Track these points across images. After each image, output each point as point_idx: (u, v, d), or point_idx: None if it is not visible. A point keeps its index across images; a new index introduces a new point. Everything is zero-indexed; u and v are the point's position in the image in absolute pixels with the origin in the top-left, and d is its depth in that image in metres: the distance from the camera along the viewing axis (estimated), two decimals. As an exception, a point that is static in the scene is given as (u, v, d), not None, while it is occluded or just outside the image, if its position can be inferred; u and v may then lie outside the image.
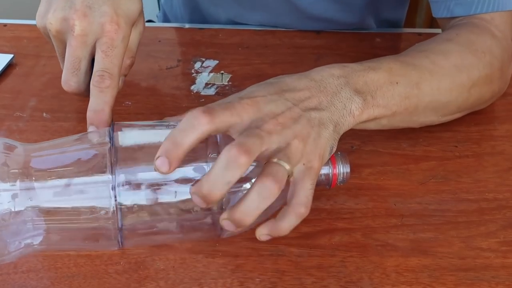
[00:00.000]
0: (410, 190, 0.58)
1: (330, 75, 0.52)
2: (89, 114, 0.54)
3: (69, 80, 0.57)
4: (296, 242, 0.52)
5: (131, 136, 0.48)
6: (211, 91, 0.72)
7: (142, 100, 0.70)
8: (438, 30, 0.73)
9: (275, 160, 0.45)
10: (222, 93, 0.72)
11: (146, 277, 0.50)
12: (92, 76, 0.55)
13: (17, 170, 0.45)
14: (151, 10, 1.12)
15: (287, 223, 0.45)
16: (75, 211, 0.45)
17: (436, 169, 0.61)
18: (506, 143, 0.64)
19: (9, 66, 0.76)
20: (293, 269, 0.51)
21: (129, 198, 0.45)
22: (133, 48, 0.62)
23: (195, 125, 0.43)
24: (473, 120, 0.66)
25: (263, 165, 0.45)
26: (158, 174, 0.44)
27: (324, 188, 0.51)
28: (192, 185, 0.44)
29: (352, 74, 0.53)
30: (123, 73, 0.62)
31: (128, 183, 0.45)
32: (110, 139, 0.47)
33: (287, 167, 0.45)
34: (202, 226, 0.48)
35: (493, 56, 0.62)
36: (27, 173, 0.45)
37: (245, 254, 0.51)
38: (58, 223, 0.45)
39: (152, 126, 0.49)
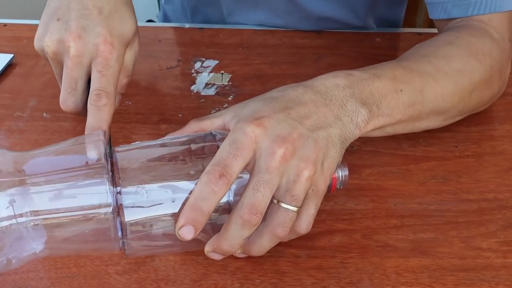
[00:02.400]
0: (410, 190, 0.58)
1: (335, 86, 0.51)
2: (87, 132, 0.55)
3: (67, 100, 0.58)
4: (296, 243, 0.52)
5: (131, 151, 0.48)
6: (211, 91, 0.72)
7: (142, 100, 0.70)
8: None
9: (284, 205, 0.47)
10: (222, 93, 0.72)
11: (147, 278, 0.50)
12: (89, 96, 0.56)
13: (12, 179, 0.44)
14: (151, 10, 1.12)
15: (285, 238, 0.50)
16: (75, 217, 0.44)
17: (436, 169, 0.61)
18: (506, 143, 0.64)
19: (9, 66, 0.76)
20: (293, 270, 0.51)
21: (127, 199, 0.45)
22: (129, 67, 0.63)
23: (216, 191, 0.45)
24: (473, 120, 0.66)
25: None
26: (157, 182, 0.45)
27: (328, 192, 0.51)
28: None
29: (358, 83, 0.52)
30: (119, 92, 0.62)
31: (128, 184, 0.45)
32: (106, 150, 0.47)
33: (295, 209, 0.47)
34: (201, 238, 0.48)
35: (493, 58, 0.62)
36: (22, 181, 0.44)
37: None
38: (58, 230, 0.45)
39: (153, 146, 0.49)
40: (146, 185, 0.45)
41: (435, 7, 0.68)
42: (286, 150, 0.46)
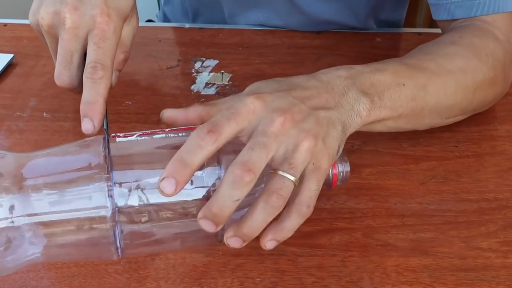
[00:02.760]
0: (411, 190, 0.58)
1: (336, 77, 0.52)
2: (82, 106, 0.53)
3: (62, 75, 0.57)
4: (297, 241, 0.52)
5: (126, 144, 0.47)
6: (211, 91, 0.72)
7: (142, 100, 0.70)
8: (438, 30, 0.73)
9: (280, 172, 0.44)
10: (222, 92, 0.72)
11: (147, 276, 0.50)
12: (85, 68, 0.55)
13: (10, 182, 0.44)
14: (151, 10, 1.12)
15: (290, 223, 0.45)
16: (73, 221, 0.44)
17: (436, 169, 0.61)
18: (507, 143, 0.64)
19: (9, 66, 0.76)
20: (293, 268, 0.51)
21: (125, 202, 0.45)
22: (126, 43, 0.62)
23: (202, 146, 0.43)
24: (473, 120, 0.66)
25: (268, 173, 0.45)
26: (156, 180, 0.44)
27: (324, 189, 0.51)
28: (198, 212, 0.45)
29: (359, 75, 0.53)
30: (117, 68, 0.61)
31: (125, 187, 0.45)
32: (104, 148, 0.46)
33: (293, 178, 0.44)
34: (201, 233, 0.47)
35: (496, 59, 0.62)
36: (20, 184, 0.44)
37: (246, 253, 0.51)
38: (56, 236, 0.44)
39: (149, 135, 0.48)
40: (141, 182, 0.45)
41: (439, 8, 0.68)
42: (285, 119, 0.45)
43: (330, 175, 0.50)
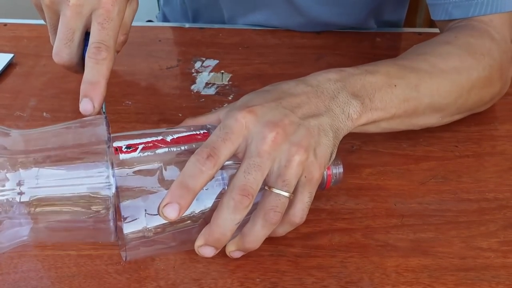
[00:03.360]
0: (411, 190, 0.58)
1: (326, 80, 0.52)
2: (83, 86, 0.53)
3: (61, 52, 0.56)
4: (296, 242, 0.52)
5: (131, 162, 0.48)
6: (211, 91, 0.72)
7: (142, 100, 0.70)
8: (438, 30, 0.73)
9: (275, 190, 0.46)
10: (222, 92, 0.72)
11: (147, 277, 0.50)
12: (88, 48, 0.54)
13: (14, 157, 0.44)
14: (151, 10, 1.12)
15: (281, 230, 0.49)
16: (71, 198, 0.44)
17: (436, 169, 0.61)
18: (507, 143, 0.64)
19: (9, 65, 0.76)
20: (293, 269, 0.51)
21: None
22: (127, 25, 0.62)
23: (203, 171, 0.44)
24: (473, 120, 0.66)
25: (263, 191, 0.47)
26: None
27: (320, 190, 0.51)
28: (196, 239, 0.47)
29: (349, 78, 0.53)
30: (116, 50, 0.61)
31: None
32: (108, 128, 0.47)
33: (287, 194, 0.46)
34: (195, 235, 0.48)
35: (492, 58, 0.62)
36: (24, 159, 0.44)
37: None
38: (52, 214, 0.44)
39: (151, 148, 0.48)
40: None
41: (437, 8, 0.68)
42: (277, 134, 0.46)
43: (325, 176, 0.52)
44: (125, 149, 0.46)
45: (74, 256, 0.51)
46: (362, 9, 0.84)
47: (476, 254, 0.52)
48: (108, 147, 0.45)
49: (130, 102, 0.70)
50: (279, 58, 0.78)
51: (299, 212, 0.48)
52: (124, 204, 0.44)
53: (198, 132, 0.49)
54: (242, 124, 0.46)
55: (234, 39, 0.83)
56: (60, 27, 0.56)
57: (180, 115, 0.68)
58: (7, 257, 0.51)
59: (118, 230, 0.46)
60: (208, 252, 0.47)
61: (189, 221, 0.47)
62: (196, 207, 0.46)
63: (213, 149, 0.45)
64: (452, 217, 0.56)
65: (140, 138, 0.48)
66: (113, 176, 0.44)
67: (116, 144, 0.47)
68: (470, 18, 0.66)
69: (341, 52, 0.80)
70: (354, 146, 0.63)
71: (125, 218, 0.45)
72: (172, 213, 0.43)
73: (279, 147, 0.46)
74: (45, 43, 0.64)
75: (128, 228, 0.45)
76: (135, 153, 0.46)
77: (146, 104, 0.70)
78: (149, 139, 0.47)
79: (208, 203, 0.47)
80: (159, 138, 0.48)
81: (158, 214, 0.44)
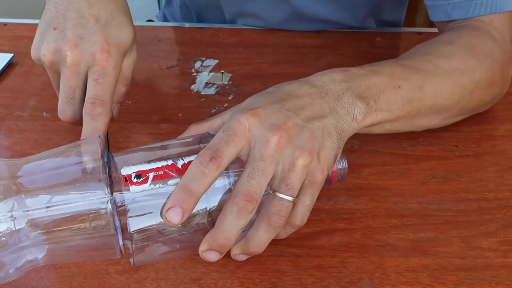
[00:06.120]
0: (411, 190, 0.58)
1: (331, 80, 0.51)
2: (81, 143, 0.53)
3: (65, 110, 0.57)
4: (296, 242, 0.52)
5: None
6: (211, 91, 0.72)
7: (142, 100, 0.70)
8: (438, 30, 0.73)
9: (278, 194, 0.46)
10: (222, 92, 0.72)
11: (147, 277, 0.50)
12: (84, 104, 0.55)
13: (5, 184, 0.44)
14: (151, 10, 1.12)
15: (282, 233, 0.49)
16: (74, 223, 0.44)
17: (436, 169, 0.61)
18: (507, 143, 0.64)
19: (9, 65, 0.76)
20: (293, 269, 0.51)
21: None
22: (127, 76, 0.62)
23: (206, 173, 0.44)
24: (473, 120, 0.66)
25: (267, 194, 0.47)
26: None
27: (324, 188, 0.51)
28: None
29: (354, 78, 0.52)
30: (118, 101, 0.62)
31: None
32: (103, 154, 0.46)
33: (291, 199, 0.46)
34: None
35: (494, 59, 0.62)
36: (19, 189, 0.44)
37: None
38: (57, 239, 0.44)
39: (163, 178, 0.46)
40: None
41: (436, 9, 0.68)
42: (280, 138, 0.46)
43: (330, 172, 0.51)
44: (135, 179, 0.45)
45: (74, 256, 0.51)
46: (361, 8, 0.84)
47: (476, 254, 0.52)
48: (106, 169, 0.45)
49: (130, 102, 0.70)
50: (279, 58, 0.78)
51: (300, 215, 0.48)
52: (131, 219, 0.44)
53: None
54: (245, 127, 0.46)
55: (234, 38, 0.83)
56: (61, 86, 0.57)
57: (180, 114, 0.68)
58: (7, 257, 0.51)
59: (124, 230, 0.45)
60: (212, 256, 0.47)
61: (196, 224, 0.47)
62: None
63: (216, 151, 0.45)
64: (452, 217, 0.56)
65: (146, 157, 0.47)
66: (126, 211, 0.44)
67: (124, 172, 0.45)
68: (470, 18, 0.65)
69: (341, 51, 0.80)
70: (354, 146, 0.63)
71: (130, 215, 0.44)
72: (175, 217, 0.43)
73: (283, 151, 0.46)
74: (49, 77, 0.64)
75: (134, 225, 0.45)
76: (146, 184, 0.45)
77: (146, 103, 0.70)
78: (159, 164, 0.46)
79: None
80: (169, 163, 0.46)
81: (161, 218, 0.44)
